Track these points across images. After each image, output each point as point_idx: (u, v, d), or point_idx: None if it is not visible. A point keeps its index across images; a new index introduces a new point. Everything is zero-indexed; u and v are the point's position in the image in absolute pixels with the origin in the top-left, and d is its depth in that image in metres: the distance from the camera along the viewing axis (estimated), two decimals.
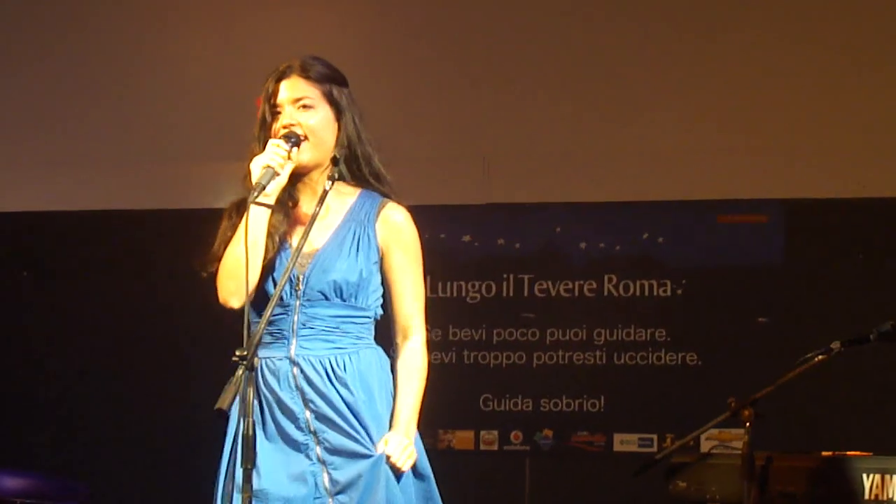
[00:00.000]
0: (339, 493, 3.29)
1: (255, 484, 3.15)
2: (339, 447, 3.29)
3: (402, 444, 3.31)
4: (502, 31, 6.85)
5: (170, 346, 6.74)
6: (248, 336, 3.07)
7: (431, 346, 6.24)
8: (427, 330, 3.46)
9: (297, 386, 3.32)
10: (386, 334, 3.44)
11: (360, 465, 3.29)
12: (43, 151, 7.06)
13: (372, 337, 3.42)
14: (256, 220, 3.23)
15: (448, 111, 6.81)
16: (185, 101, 6.96)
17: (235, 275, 3.25)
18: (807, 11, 6.64)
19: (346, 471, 3.29)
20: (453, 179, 6.70)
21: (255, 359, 3.04)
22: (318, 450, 3.31)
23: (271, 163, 3.25)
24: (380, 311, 3.41)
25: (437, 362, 6.20)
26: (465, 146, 6.78)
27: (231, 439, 3.27)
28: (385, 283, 3.42)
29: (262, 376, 3.31)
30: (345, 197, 3.39)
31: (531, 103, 6.75)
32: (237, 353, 3.00)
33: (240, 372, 2.98)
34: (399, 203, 3.45)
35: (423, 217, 6.31)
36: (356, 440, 3.30)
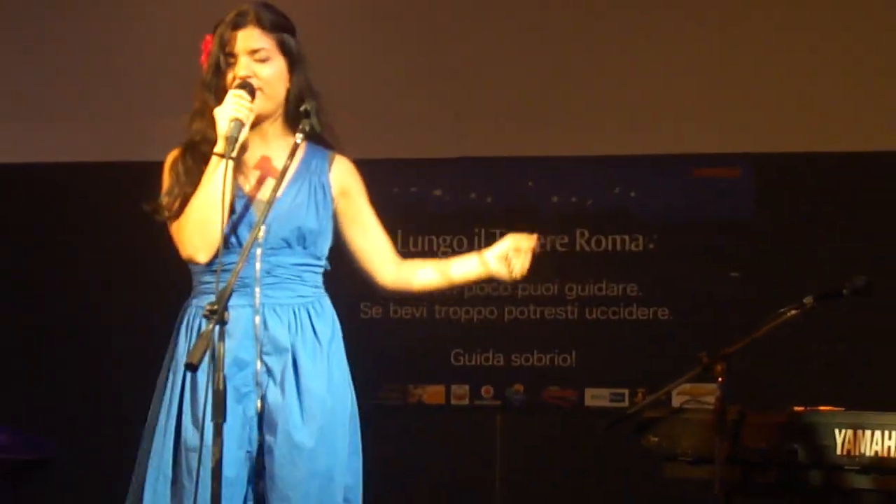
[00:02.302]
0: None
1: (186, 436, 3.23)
2: (276, 406, 3.30)
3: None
4: None
5: (126, 301, 6.69)
6: (219, 289, 3.06)
7: (402, 300, 6.57)
8: None
9: (256, 336, 3.31)
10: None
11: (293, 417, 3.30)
12: None
13: (323, 286, 3.45)
14: (227, 174, 3.20)
15: (419, 64, 6.74)
16: (127, 54, 6.90)
17: (204, 230, 3.25)
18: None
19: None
20: (424, 133, 6.65)
21: (226, 312, 2.98)
22: (258, 404, 3.31)
23: (239, 115, 3.24)
24: (328, 265, 3.46)
25: (407, 317, 6.59)
26: (436, 99, 6.71)
27: (177, 388, 3.29)
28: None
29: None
30: (291, 145, 3.34)
31: (503, 56, 6.69)
32: (207, 306, 2.98)
33: (210, 326, 2.96)
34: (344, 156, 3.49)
35: (394, 171, 6.50)
36: (294, 405, 3.31)
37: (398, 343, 6.55)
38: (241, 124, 3.23)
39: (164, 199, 3.34)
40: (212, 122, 3.28)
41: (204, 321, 3.07)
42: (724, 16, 6.59)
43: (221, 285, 3.07)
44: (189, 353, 2.98)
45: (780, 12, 6.54)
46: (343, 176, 3.45)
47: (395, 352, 6.51)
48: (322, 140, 3.45)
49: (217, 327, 2.97)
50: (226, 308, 2.98)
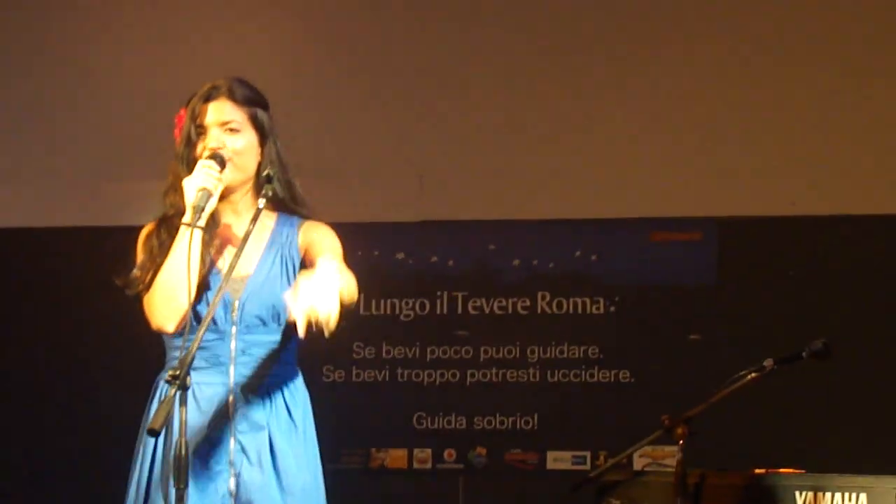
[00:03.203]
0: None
1: None
2: (252, 485, 3.26)
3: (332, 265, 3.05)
4: (435, 47, 6.81)
5: (83, 360, 6.63)
6: (182, 356, 3.02)
7: (365, 363, 6.55)
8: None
9: (230, 414, 3.28)
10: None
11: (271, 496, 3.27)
12: None
13: (295, 362, 3.42)
14: (193, 243, 3.18)
15: (382, 127, 6.75)
16: (101, 118, 6.84)
17: (171, 299, 3.21)
18: (737, 31, 6.66)
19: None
20: (387, 196, 6.65)
21: (188, 378, 2.96)
22: (231, 482, 3.26)
23: (206, 184, 3.22)
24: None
25: (370, 380, 6.55)
26: (398, 163, 6.72)
27: (147, 459, 3.25)
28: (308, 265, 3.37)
29: (194, 399, 3.24)
30: (264, 220, 3.35)
31: (465, 120, 6.72)
32: (170, 372, 2.95)
33: (172, 391, 2.94)
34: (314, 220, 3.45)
35: (357, 234, 6.16)
36: (272, 484, 3.28)
37: (360, 406, 6.50)
38: (208, 194, 3.21)
39: (137, 273, 3.32)
40: (183, 195, 3.27)
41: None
42: (684, 80, 6.61)
43: (189, 353, 3.03)
44: (151, 418, 2.97)
45: (740, 76, 6.58)
46: (308, 235, 3.41)
47: (357, 415, 6.47)
48: (295, 210, 3.43)
49: (178, 393, 2.95)
50: (188, 373, 2.95)
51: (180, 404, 2.96)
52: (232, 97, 3.36)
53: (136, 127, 6.46)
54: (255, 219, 3.25)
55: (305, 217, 3.44)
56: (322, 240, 3.39)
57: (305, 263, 3.37)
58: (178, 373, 2.94)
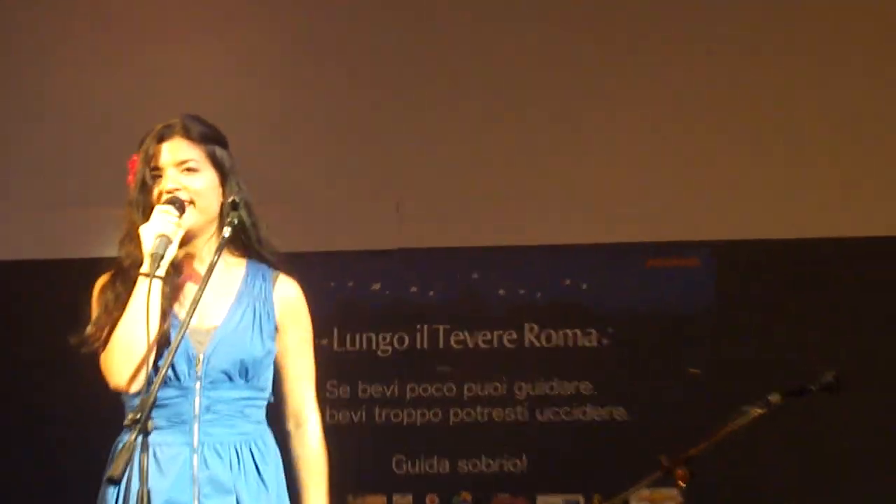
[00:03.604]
0: None
1: None
2: None
3: None
4: (413, 71, 6.72)
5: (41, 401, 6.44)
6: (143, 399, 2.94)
7: (339, 403, 6.38)
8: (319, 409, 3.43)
9: (193, 477, 3.18)
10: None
11: None
12: None
13: (265, 420, 3.37)
14: (152, 293, 3.09)
15: (356, 150, 6.65)
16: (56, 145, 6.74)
17: (129, 355, 3.11)
18: (723, 45, 6.62)
19: None
20: (361, 223, 6.54)
21: (150, 421, 2.88)
22: None
23: (165, 230, 3.12)
24: (271, 397, 3.38)
25: (345, 421, 6.44)
26: (373, 188, 6.62)
27: None
28: (276, 363, 3.36)
29: (155, 460, 3.14)
30: (232, 268, 3.32)
31: (445, 142, 6.63)
32: (130, 416, 2.88)
33: (132, 437, 2.85)
34: (288, 275, 3.40)
35: (330, 264, 6.33)
36: None
37: (336, 450, 6.23)
38: (167, 240, 3.11)
39: (91, 330, 3.22)
40: (140, 244, 3.16)
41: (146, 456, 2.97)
42: (678, 103, 6.56)
43: (154, 420, 2.98)
44: (111, 465, 2.87)
45: (734, 100, 6.52)
46: (283, 305, 3.35)
47: (332, 459, 6.22)
48: (263, 256, 3.37)
49: (139, 438, 2.86)
50: (149, 416, 2.88)
51: (141, 451, 2.90)
52: (187, 135, 3.29)
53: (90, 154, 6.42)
54: (219, 249, 3.16)
55: (275, 268, 3.38)
56: (300, 323, 3.38)
57: (279, 341, 3.35)
58: (138, 416, 2.86)
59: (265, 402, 3.33)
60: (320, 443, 3.38)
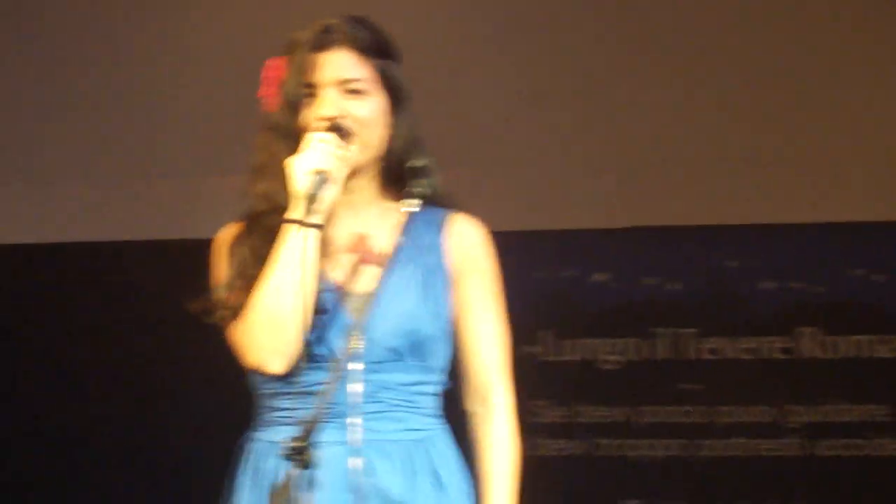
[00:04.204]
0: None
1: None
2: None
3: None
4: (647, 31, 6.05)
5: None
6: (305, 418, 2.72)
7: (550, 430, 6.01)
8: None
9: (354, 485, 2.81)
10: None
11: None
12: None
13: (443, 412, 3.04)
14: (308, 248, 2.76)
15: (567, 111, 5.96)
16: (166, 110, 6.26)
17: (277, 324, 2.76)
18: (717, 37, 6.00)
19: None
20: (576, 196, 5.93)
21: (309, 452, 2.59)
22: None
23: (326, 166, 2.75)
24: (449, 381, 3.03)
25: (557, 454, 6.01)
26: (590, 155, 5.97)
27: None
28: (455, 324, 3.01)
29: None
30: (391, 213, 2.94)
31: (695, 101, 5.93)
32: (292, 442, 2.61)
33: (292, 471, 2.60)
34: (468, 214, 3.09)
35: (537, 248, 6.04)
36: None
37: (543, 491, 5.53)
38: (324, 178, 2.75)
39: (222, 294, 2.88)
40: (283, 181, 2.80)
41: (280, 464, 2.69)
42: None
43: (301, 412, 2.71)
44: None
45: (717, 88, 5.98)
46: (461, 247, 2.96)
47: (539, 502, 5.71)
48: (433, 199, 2.99)
49: (302, 473, 2.64)
50: (311, 444, 2.63)
51: (303, 489, 2.64)
52: (355, 45, 2.88)
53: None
54: (402, 230, 2.84)
55: (446, 207, 3.02)
56: (476, 273, 2.98)
57: (454, 295, 3.01)
58: (302, 443, 2.62)
59: (441, 389, 2.97)
60: (512, 431, 2.93)
